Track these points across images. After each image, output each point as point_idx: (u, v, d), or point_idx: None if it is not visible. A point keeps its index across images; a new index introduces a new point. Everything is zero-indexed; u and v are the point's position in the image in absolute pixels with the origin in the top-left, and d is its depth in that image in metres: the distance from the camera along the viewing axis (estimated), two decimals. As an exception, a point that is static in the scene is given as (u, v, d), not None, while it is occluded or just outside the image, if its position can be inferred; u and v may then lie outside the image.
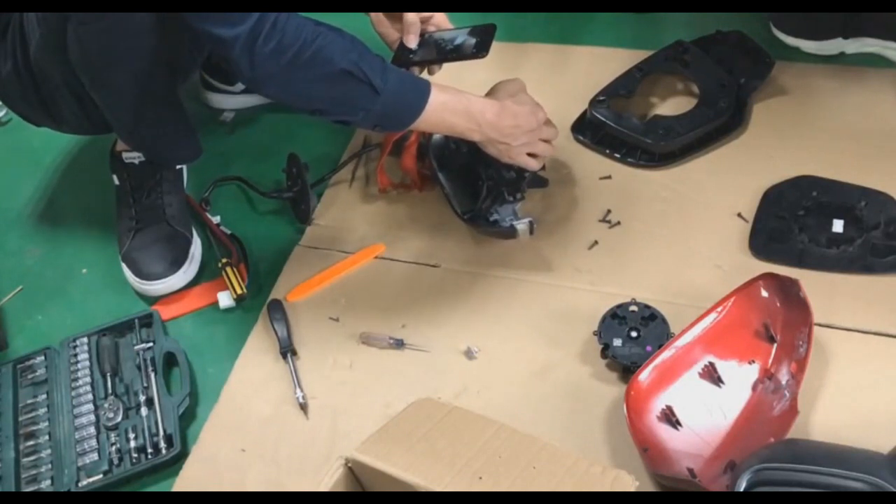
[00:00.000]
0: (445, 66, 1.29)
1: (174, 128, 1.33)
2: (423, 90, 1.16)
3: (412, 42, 1.27)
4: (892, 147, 1.33)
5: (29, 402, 1.25)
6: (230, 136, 1.59)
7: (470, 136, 1.21)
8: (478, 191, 1.31)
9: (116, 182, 1.41)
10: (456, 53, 1.25)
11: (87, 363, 1.27)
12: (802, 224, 1.25)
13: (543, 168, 1.33)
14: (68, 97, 1.26)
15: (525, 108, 1.22)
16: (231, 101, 1.61)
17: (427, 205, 1.41)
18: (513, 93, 1.24)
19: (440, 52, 1.26)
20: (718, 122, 1.39)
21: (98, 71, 1.18)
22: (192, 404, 1.22)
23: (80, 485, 1.15)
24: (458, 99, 1.18)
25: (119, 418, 1.21)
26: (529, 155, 1.25)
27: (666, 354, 1.09)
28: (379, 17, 1.30)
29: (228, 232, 1.41)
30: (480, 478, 0.90)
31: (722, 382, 1.08)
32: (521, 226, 1.25)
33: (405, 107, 1.16)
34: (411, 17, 1.26)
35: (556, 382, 1.16)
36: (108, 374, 1.25)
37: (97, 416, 1.21)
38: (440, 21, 1.29)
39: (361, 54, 1.11)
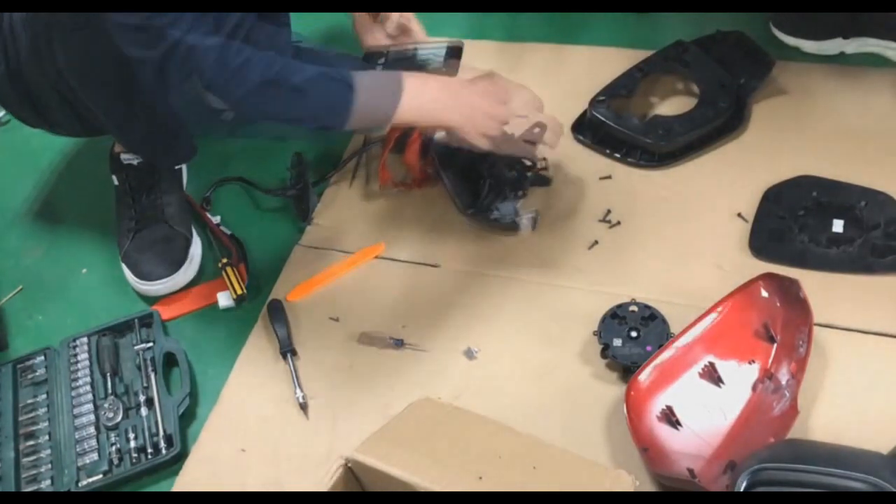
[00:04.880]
0: None
1: (166, 129, 1.33)
2: (397, 77, 1.15)
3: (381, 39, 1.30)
4: (891, 147, 1.33)
5: (29, 402, 1.25)
6: (230, 136, 1.59)
7: (452, 119, 1.18)
8: (479, 188, 1.31)
9: (116, 182, 1.41)
10: (422, 68, 1.25)
11: (87, 363, 1.27)
12: (802, 224, 1.25)
13: (546, 168, 1.33)
14: (59, 102, 1.26)
15: (512, 85, 1.21)
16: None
17: (427, 204, 1.41)
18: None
19: (408, 63, 1.26)
20: (718, 122, 1.39)
21: (85, 76, 1.18)
22: (192, 404, 1.22)
23: (80, 485, 1.15)
24: (434, 78, 1.18)
25: (119, 418, 1.21)
26: (526, 141, 1.24)
27: (666, 354, 1.09)
28: (363, 20, 1.30)
29: (228, 232, 1.41)
30: (480, 478, 0.90)
31: (722, 382, 1.08)
32: (524, 220, 1.25)
33: (383, 97, 1.14)
34: (394, 18, 1.27)
35: (556, 382, 1.16)
36: (108, 374, 1.25)
37: (97, 416, 1.21)
38: (417, 36, 1.30)
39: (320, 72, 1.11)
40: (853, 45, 1.47)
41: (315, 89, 1.10)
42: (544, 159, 1.33)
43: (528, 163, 1.31)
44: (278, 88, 1.08)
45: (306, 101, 1.11)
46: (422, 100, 1.15)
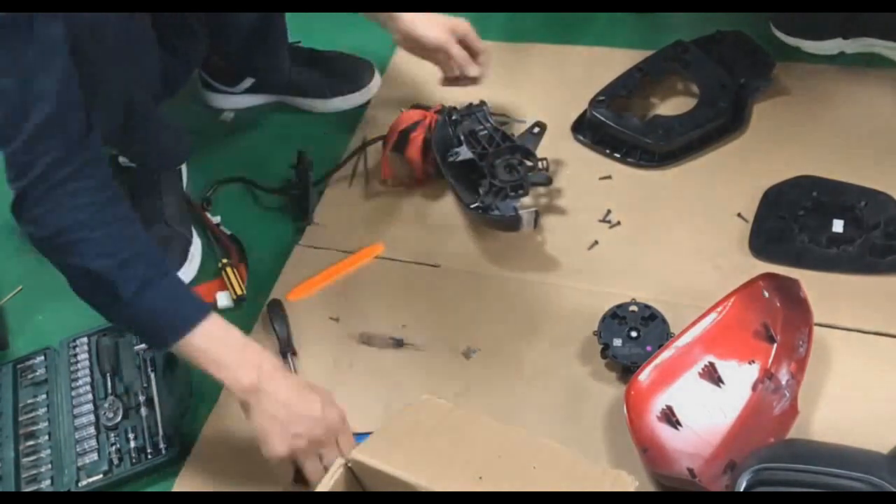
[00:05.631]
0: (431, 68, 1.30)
1: (161, 136, 1.34)
2: (191, 317, 1.01)
3: (473, 72, 1.30)
4: (892, 147, 1.33)
5: (29, 402, 1.25)
6: (230, 136, 1.59)
7: (233, 385, 1.01)
8: (479, 186, 1.31)
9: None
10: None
11: (87, 363, 1.27)
12: (802, 224, 1.25)
13: (547, 168, 1.33)
14: None
15: (324, 403, 1.04)
16: (231, 101, 1.61)
17: (427, 204, 1.41)
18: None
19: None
20: (718, 122, 1.39)
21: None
22: (192, 404, 1.22)
23: (80, 485, 1.15)
24: (239, 341, 1.03)
25: (119, 418, 1.21)
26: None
27: (666, 354, 1.09)
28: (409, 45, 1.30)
29: (228, 232, 1.41)
30: (480, 478, 0.90)
31: (722, 382, 1.08)
32: (526, 215, 1.25)
33: (160, 327, 1.02)
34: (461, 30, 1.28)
35: (556, 382, 1.16)
36: (108, 374, 1.25)
37: (97, 416, 1.21)
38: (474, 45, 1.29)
39: (125, 261, 0.98)
40: (853, 45, 1.47)
41: (141, 318, 1.01)
42: (545, 159, 1.33)
43: (529, 163, 1.31)
44: (99, 279, 0.98)
45: (127, 318, 1.03)
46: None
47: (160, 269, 1.03)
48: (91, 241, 0.98)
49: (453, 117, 1.37)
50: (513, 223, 1.28)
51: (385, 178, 1.43)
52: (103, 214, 0.99)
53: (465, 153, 1.31)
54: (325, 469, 0.99)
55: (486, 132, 1.34)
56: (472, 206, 1.31)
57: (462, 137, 1.34)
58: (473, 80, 1.33)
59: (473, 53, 1.31)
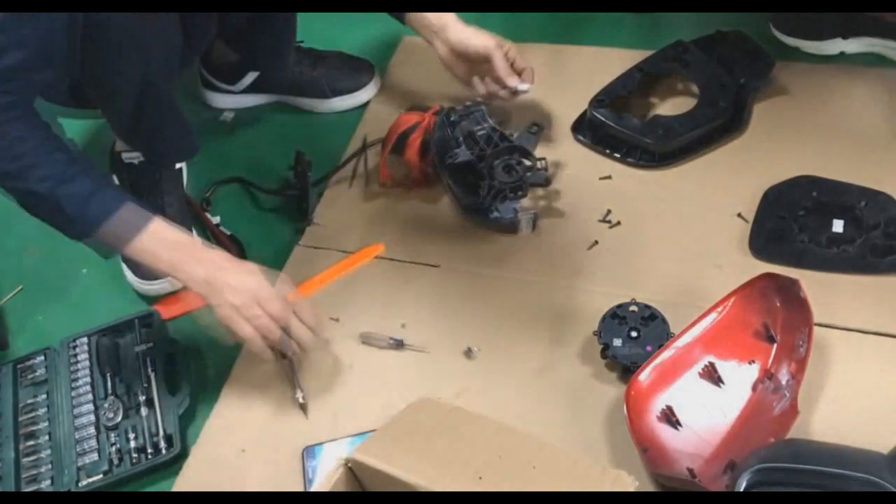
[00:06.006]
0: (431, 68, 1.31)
1: (172, 124, 1.33)
2: (137, 223, 1.08)
3: (513, 82, 1.34)
4: (892, 147, 1.33)
5: (29, 402, 1.25)
6: (230, 136, 1.59)
7: (188, 281, 1.11)
8: (479, 188, 1.31)
9: (116, 182, 1.41)
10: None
11: (87, 363, 1.27)
12: (802, 224, 1.25)
13: (545, 168, 1.33)
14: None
15: (255, 277, 1.12)
16: (231, 100, 1.61)
17: (427, 204, 1.41)
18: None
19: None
20: (718, 122, 1.39)
21: (98, 73, 1.18)
22: (192, 404, 1.22)
23: (80, 485, 1.15)
24: (182, 239, 1.11)
25: (119, 418, 1.21)
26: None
27: (666, 354, 1.09)
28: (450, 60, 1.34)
29: (228, 233, 1.41)
30: (480, 478, 0.90)
31: (722, 382, 1.08)
32: (523, 220, 1.25)
33: (113, 236, 1.08)
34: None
35: (556, 382, 1.16)
36: (108, 374, 1.25)
37: (97, 416, 1.21)
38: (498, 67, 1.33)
39: (62, 181, 1.04)
40: (853, 45, 1.47)
41: (46, 205, 1.06)
42: (543, 159, 1.33)
43: (528, 163, 1.31)
44: (46, 201, 1.05)
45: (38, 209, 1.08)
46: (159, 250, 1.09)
47: (93, 172, 1.09)
48: (35, 167, 1.04)
49: (451, 118, 1.37)
50: (511, 226, 1.28)
51: (384, 182, 1.43)
52: (46, 147, 1.06)
53: (463, 154, 1.31)
54: (298, 344, 1.15)
55: (484, 132, 1.34)
56: (469, 210, 1.31)
57: (460, 139, 1.34)
58: (514, 94, 1.37)
59: (517, 70, 1.36)
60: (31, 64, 1.03)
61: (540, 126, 1.38)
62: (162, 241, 1.09)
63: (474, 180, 1.32)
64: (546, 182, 1.36)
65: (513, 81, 1.35)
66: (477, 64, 1.36)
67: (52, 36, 1.04)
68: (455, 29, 1.34)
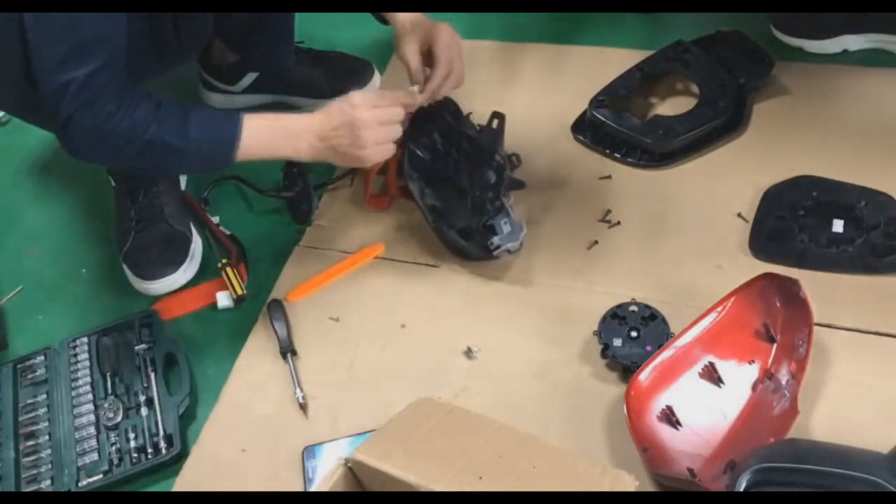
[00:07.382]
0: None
1: None
2: (233, 125, 1.15)
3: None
4: (891, 147, 1.33)
5: (29, 402, 1.25)
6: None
7: (301, 156, 1.21)
8: (466, 203, 1.29)
9: (113, 184, 1.41)
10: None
11: (87, 363, 1.27)
12: (802, 224, 1.25)
13: (519, 164, 1.30)
14: None
15: (349, 102, 1.18)
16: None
17: (427, 205, 1.41)
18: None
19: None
20: (718, 122, 1.39)
21: None
22: (192, 404, 1.22)
23: (80, 485, 1.15)
24: (274, 121, 1.20)
25: (119, 418, 1.21)
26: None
27: (666, 354, 1.09)
28: (406, 39, 1.27)
29: (228, 232, 1.41)
30: (480, 478, 0.90)
31: (722, 382, 1.08)
32: (503, 252, 1.25)
33: (218, 147, 1.16)
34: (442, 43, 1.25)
35: (556, 382, 1.16)
36: (108, 374, 1.25)
37: (97, 416, 1.21)
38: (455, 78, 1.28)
39: (159, 120, 1.11)
40: (856, 41, 1.47)
41: (194, 147, 1.14)
42: (515, 155, 1.30)
43: (499, 159, 1.28)
44: (150, 147, 1.12)
45: (142, 161, 1.15)
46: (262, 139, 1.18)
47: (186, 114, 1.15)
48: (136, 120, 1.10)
49: (411, 134, 1.32)
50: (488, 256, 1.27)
51: (369, 204, 1.41)
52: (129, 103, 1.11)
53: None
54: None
55: (444, 143, 1.31)
56: (453, 236, 1.29)
57: (420, 153, 1.32)
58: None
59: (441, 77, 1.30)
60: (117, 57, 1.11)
61: (500, 117, 1.31)
62: (263, 132, 1.18)
63: (461, 196, 1.29)
64: (521, 185, 1.32)
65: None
66: (424, 43, 1.29)
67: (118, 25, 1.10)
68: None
